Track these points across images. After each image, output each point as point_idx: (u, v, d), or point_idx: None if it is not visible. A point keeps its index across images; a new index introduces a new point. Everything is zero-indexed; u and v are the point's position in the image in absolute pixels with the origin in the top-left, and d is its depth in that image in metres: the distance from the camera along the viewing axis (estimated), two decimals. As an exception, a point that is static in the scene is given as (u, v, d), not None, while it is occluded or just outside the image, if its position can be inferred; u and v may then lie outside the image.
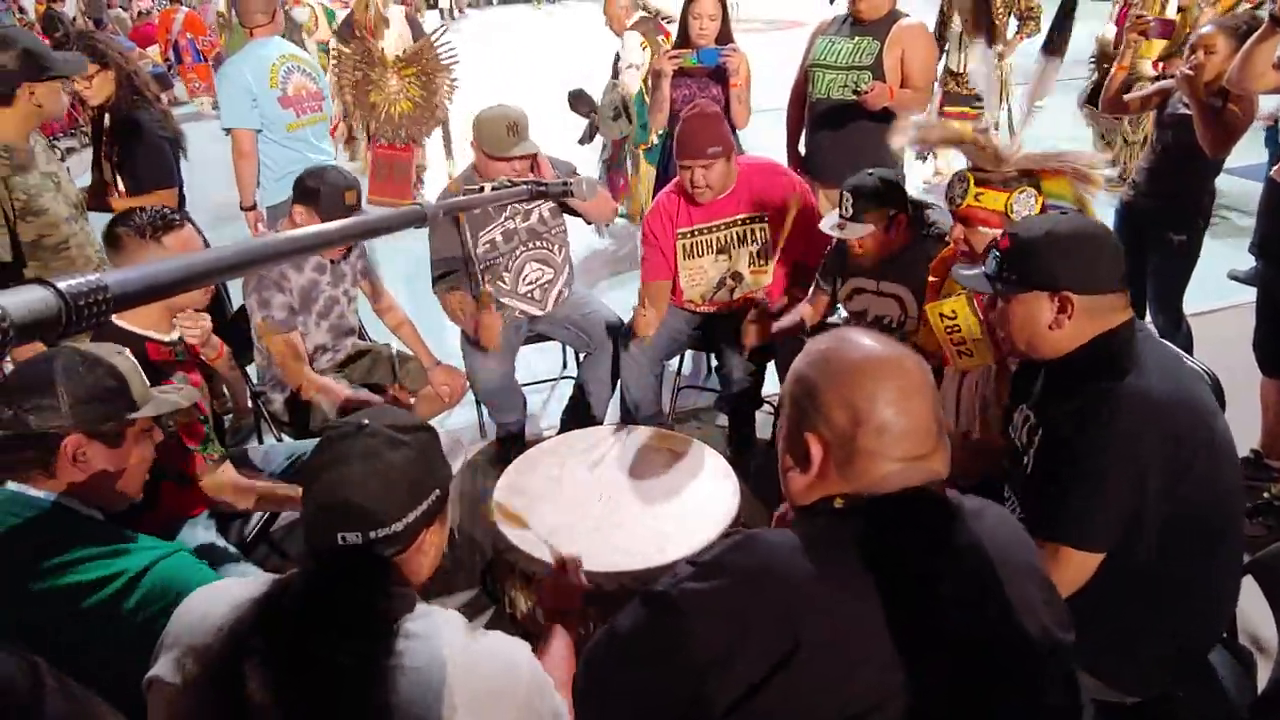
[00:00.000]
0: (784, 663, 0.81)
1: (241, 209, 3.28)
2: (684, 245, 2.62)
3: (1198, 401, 1.30)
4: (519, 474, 2.08)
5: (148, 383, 1.41)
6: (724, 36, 3.22)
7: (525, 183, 1.59)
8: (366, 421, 1.04)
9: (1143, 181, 2.93)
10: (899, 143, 2.06)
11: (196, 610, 1.00)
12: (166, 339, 1.83)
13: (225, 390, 2.18)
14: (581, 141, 4.97)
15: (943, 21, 5.06)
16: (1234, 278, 3.95)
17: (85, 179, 2.93)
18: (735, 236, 2.60)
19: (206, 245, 2.07)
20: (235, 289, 2.80)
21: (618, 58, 4.21)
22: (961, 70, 5.02)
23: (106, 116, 2.84)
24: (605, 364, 2.77)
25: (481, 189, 1.54)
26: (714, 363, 3.21)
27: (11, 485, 1.25)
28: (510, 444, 2.86)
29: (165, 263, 0.62)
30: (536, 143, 2.49)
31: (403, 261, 4.47)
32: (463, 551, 2.49)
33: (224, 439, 2.10)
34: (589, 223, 2.57)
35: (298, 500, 1.84)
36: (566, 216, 2.77)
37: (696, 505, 1.93)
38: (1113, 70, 3.20)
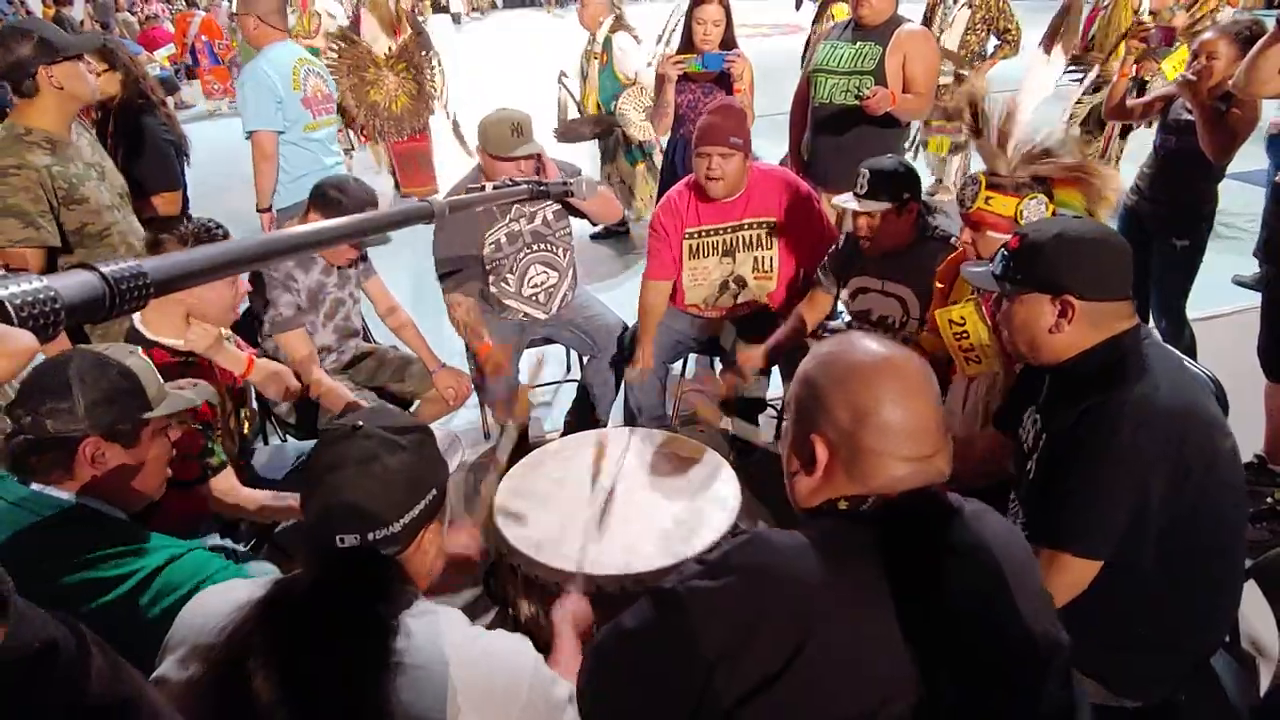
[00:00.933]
0: (790, 661, 0.82)
1: (258, 210, 3.31)
2: (690, 245, 2.63)
3: (1202, 410, 1.30)
4: (522, 476, 2.08)
5: (162, 382, 1.44)
6: (728, 42, 3.23)
7: (526, 182, 1.60)
8: (362, 423, 1.05)
9: (1146, 187, 2.94)
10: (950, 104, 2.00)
11: (200, 611, 1.01)
12: (178, 344, 1.86)
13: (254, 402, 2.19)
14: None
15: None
16: (1239, 283, 3.95)
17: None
18: (741, 240, 2.61)
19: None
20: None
21: (608, 58, 4.31)
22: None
23: (110, 118, 2.87)
24: (608, 365, 2.77)
25: (483, 188, 1.55)
26: (718, 366, 3.22)
27: (34, 485, 1.28)
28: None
29: (198, 250, 0.67)
30: (540, 144, 2.50)
31: (406, 265, 4.49)
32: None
33: (244, 446, 2.11)
34: (594, 224, 2.58)
35: (296, 509, 1.85)
36: (571, 219, 2.78)
37: (699, 508, 1.93)
38: (1115, 78, 3.21)
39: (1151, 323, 2.99)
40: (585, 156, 5.83)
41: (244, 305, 2.37)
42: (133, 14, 13.07)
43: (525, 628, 1.88)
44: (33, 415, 1.26)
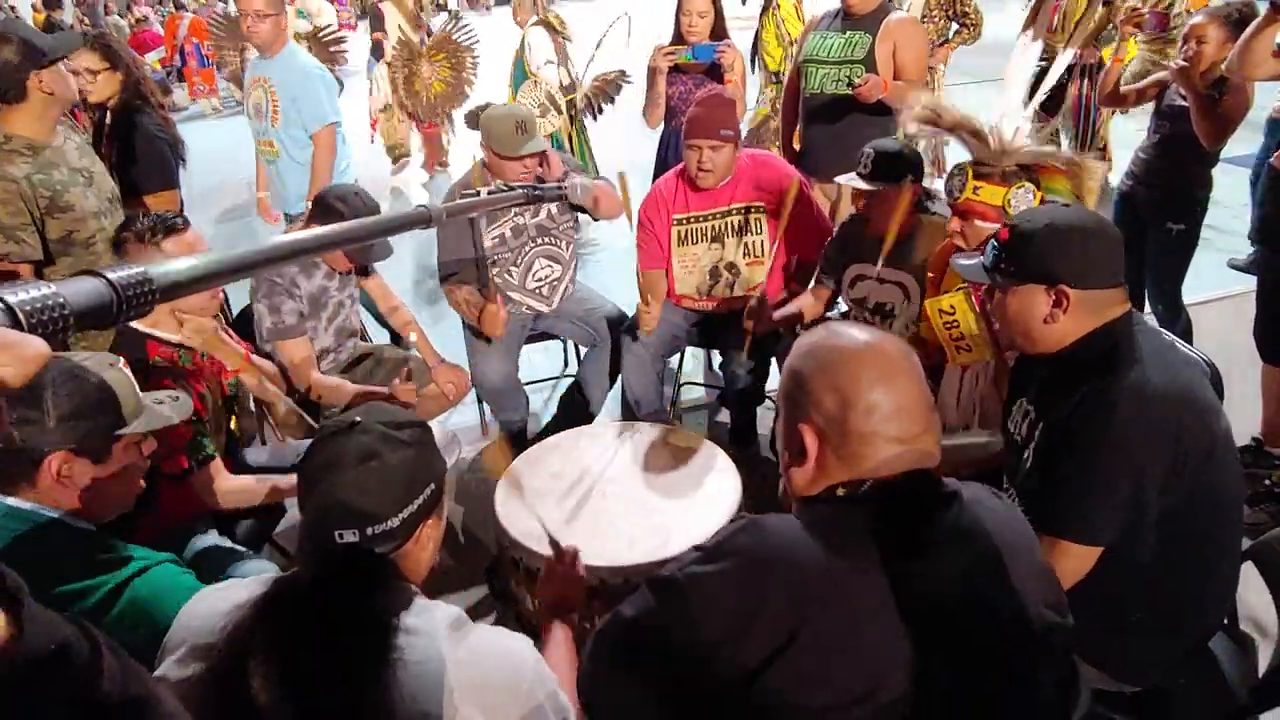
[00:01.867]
0: (788, 644, 0.82)
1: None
2: (678, 232, 2.63)
3: (1195, 393, 1.30)
4: (522, 470, 2.08)
5: (140, 395, 1.38)
6: (718, 33, 3.22)
7: (521, 188, 1.63)
8: (359, 419, 1.05)
9: (1141, 172, 2.94)
10: (912, 128, 2.00)
11: (199, 611, 1.01)
12: (171, 338, 1.84)
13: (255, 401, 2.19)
14: None
15: None
16: (1234, 266, 3.96)
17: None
18: (731, 226, 2.61)
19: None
20: (234, 295, 2.82)
21: (522, 52, 4.44)
22: None
23: (108, 116, 2.86)
24: (604, 359, 2.77)
25: (478, 194, 1.57)
26: (716, 359, 3.22)
27: None
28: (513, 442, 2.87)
29: (203, 257, 0.67)
30: (545, 140, 2.51)
31: (407, 263, 4.50)
32: (466, 549, 2.49)
33: (230, 447, 2.11)
34: (596, 219, 2.58)
35: (281, 490, 1.84)
36: (576, 213, 2.78)
37: (699, 500, 1.94)
38: (1108, 64, 3.20)
39: (1148, 308, 3.00)
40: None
41: (245, 304, 2.37)
42: (122, 17, 13.03)
43: (528, 622, 1.89)
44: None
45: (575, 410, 2.82)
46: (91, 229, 2.23)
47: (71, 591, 1.19)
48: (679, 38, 3.24)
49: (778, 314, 2.46)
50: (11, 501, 1.24)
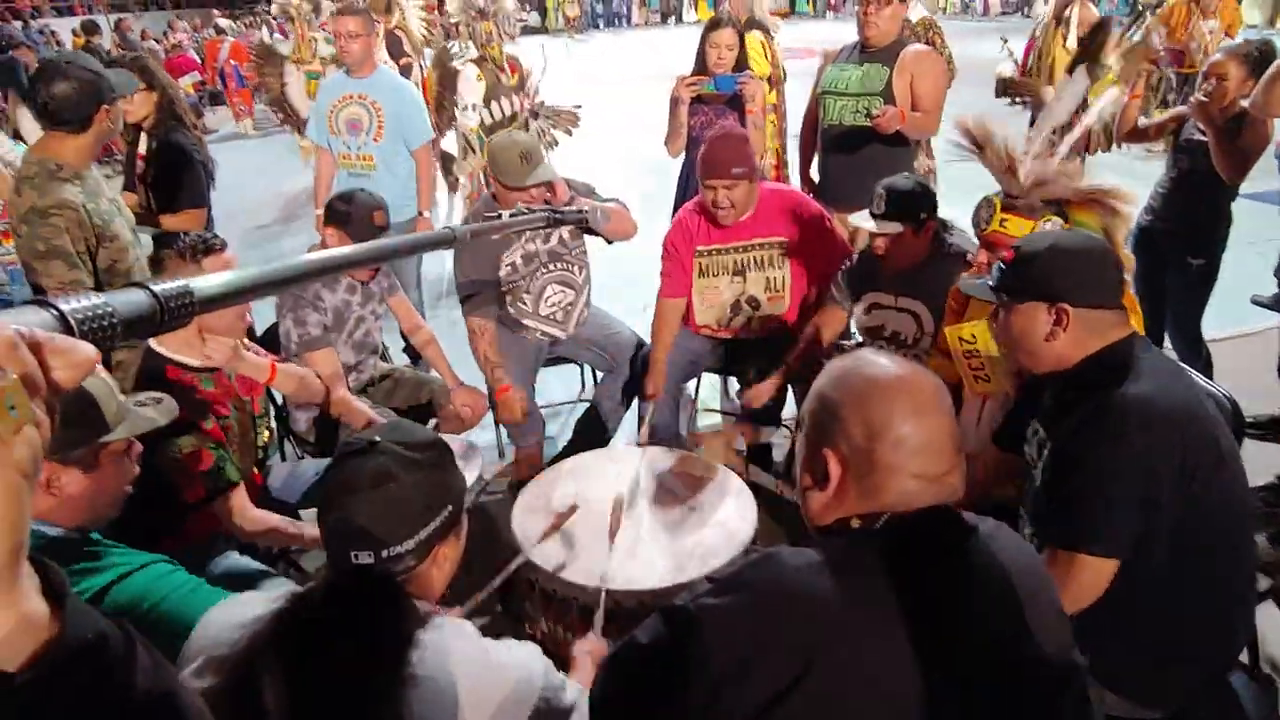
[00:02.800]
0: (800, 680, 0.81)
1: (420, 214, 3.56)
2: (700, 264, 2.65)
3: (1199, 408, 1.32)
4: (537, 494, 2.09)
5: (121, 399, 1.35)
6: (740, 64, 3.27)
7: (543, 211, 1.63)
8: (378, 439, 1.05)
9: (1160, 206, 2.94)
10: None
11: (216, 625, 1.02)
12: (192, 364, 1.86)
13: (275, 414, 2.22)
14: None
15: None
16: (1257, 303, 3.92)
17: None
18: (753, 260, 2.63)
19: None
20: (260, 313, 2.87)
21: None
22: None
23: (143, 137, 2.94)
24: (620, 384, 2.79)
25: (499, 216, 1.57)
26: (734, 385, 3.22)
27: None
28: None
29: (239, 272, 0.71)
30: (552, 168, 2.53)
31: (428, 284, 4.55)
32: (481, 566, 2.49)
33: (261, 462, 2.13)
34: (610, 242, 2.60)
35: (304, 539, 1.86)
36: (586, 236, 2.81)
37: (715, 525, 1.93)
38: (1125, 100, 3.21)
39: (1168, 343, 2.98)
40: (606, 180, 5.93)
41: (270, 322, 2.41)
42: (158, 43, 13.40)
43: (540, 642, 1.89)
44: None
45: (591, 434, 2.82)
46: (129, 260, 2.26)
47: None
48: (701, 68, 3.29)
49: (777, 377, 2.49)
50: None
